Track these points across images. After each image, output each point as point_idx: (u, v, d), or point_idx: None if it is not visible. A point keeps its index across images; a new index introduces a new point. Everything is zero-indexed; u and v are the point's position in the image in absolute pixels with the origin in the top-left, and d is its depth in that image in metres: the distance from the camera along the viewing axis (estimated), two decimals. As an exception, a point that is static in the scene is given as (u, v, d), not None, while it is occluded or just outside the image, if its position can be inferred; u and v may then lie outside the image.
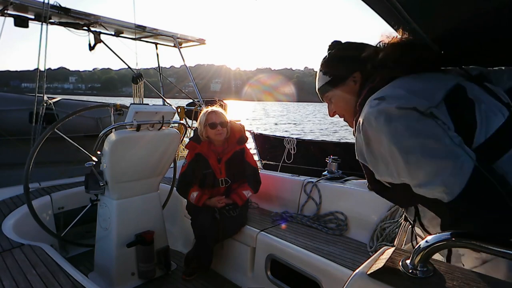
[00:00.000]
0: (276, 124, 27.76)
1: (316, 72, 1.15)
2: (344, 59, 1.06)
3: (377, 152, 0.83)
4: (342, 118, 1.11)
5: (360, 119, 0.85)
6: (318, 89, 1.12)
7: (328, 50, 1.11)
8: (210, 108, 2.42)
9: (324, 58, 1.12)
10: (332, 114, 1.14)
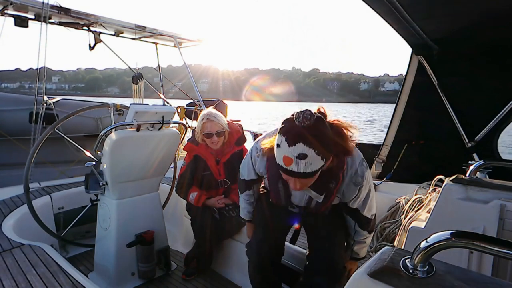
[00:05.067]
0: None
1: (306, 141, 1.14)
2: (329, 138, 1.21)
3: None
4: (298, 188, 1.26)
5: (360, 186, 1.43)
6: (300, 173, 1.17)
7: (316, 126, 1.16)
8: (207, 113, 2.25)
9: (313, 138, 1.14)
10: (294, 187, 1.26)
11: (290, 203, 1.59)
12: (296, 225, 1.70)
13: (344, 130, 1.31)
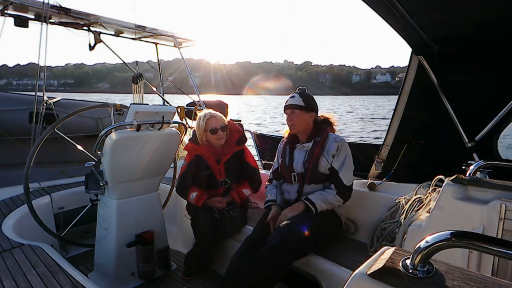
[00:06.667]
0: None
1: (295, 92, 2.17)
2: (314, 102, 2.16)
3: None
4: (292, 125, 2.10)
5: (339, 143, 2.05)
6: (292, 105, 2.10)
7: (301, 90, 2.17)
8: (207, 112, 2.33)
9: (303, 91, 2.17)
10: (290, 122, 2.11)
11: (292, 169, 2.12)
12: None
13: (331, 120, 2.22)
